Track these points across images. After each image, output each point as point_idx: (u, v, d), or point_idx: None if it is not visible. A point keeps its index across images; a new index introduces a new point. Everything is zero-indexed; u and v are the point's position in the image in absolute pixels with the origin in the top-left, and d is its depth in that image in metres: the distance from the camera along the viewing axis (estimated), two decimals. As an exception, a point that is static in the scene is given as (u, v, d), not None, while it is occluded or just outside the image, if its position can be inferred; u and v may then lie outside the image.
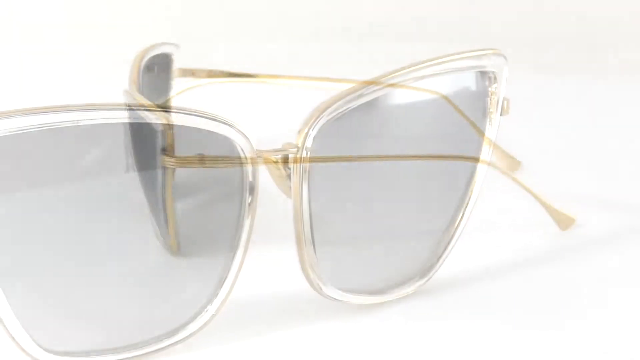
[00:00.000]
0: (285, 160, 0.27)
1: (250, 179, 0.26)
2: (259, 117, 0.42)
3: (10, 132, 0.23)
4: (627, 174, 0.43)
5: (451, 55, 0.29)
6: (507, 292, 0.30)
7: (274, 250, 0.31)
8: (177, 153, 0.26)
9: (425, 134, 0.30)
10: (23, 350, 0.25)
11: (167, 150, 0.25)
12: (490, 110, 0.30)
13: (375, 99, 0.28)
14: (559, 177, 0.42)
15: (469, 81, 0.30)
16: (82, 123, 0.24)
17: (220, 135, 0.26)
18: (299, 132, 0.27)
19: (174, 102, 0.40)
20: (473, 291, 0.30)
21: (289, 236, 0.27)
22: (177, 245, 0.27)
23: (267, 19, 0.75)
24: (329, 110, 0.27)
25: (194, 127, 0.25)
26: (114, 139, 0.25)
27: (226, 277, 0.27)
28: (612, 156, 0.46)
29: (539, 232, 0.35)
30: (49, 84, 0.60)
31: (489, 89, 0.30)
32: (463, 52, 0.29)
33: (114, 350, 0.26)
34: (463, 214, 0.31)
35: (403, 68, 0.28)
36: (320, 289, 0.28)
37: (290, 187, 0.27)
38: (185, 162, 0.26)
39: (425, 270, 0.30)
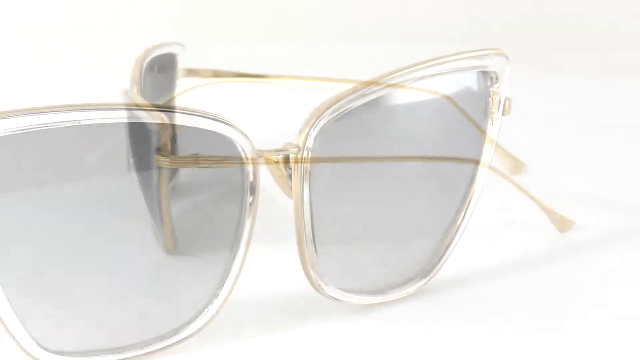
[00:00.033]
0: (286, 160, 0.27)
1: (251, 179, 0.26)
2: (260, 117, 0.42)
3: (12, 131, 0.23)
4: (627, 174, 0.43)
5: (453, 55, 0.29)
6: (507, 293, 0.30)
7: (275, 250, 0.31)
8: (179, 153, 0.26)
9: (426, 134, 0.30)
10: (24, 350, 0.25)
11: (162, 150, 0.25)
12: (492, 110, 0.30)
13: (376, 99, 0.28)
14: (559, 177, 0.42)
15: (471, 81, 0.30)
16: (83, 123, 0.24)
17: (221, 135, 0.26)
18: (300, 132, 0.27)
19: (176, 102, 0.40)
20: (473, 291, 0.30)
21: (290, 236, 0.27)
22: (173, 244, 0.27)
23: (267, 19, 0.75)
24: (330, 110, 0.27)
25: (195, 127, 0.25)
26: (113, 139, 0.25)
27: (227, 277, 0.27)
28: (612, 156, 0.46)
29: (539, 232, 0.35)
30: (49, 84, 0.60)
31: (491, 89, 0.30)
32: (465, 52, 0.29)
33: (115, 350, 0.26)
34: (464, 214, 0.30)
35: (404, 68, 0.28)
36: (322, 288, 0.28)
37: (291, 187, 0.27)
38: (179, 161, 0.26)
39: (427, 270, 0.30)
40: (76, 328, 0.26)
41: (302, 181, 0.27)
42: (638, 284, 0.31)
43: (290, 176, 0.27)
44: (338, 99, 0.27)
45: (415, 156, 0.29)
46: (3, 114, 0.23)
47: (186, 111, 0.26)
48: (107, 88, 0.34)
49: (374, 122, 0.28)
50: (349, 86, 0.27)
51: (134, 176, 0.26)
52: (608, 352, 0.27)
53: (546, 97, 0.57)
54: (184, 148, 0.26)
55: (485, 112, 0.30)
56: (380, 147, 0.29)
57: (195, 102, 0.38)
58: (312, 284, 0.28)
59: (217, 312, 0.27)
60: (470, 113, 0.30)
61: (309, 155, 0.27)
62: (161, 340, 0.26)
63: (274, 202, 0.28)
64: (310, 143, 0.27)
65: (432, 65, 0.28)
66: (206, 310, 0.27)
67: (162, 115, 0.25)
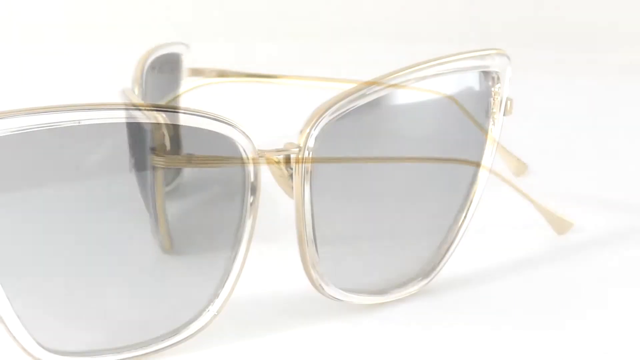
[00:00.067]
0: (287, 160, 0.27)
1: (252, 179, 0.26)
2: (262, 116, 0.42)
3: (12, 131, 0.23)
4: (627, 174, 0.43)
5: (454, 55, 0.29)
6: (508, 293, 0.30)
7: (276, 250, 0.31)
8: (179, 153, 0.26)
9: (427, 134, 0.30)
10: (24, 350, 0.25)
11: (157, 150, 0.25)
12: (494, 110, 0.30)
13: (378, 99, 0.28)
14: (559, 177, 0.42)
15: (472, 81, 0.30)
16: (83, 123, 0.24)
17: (222, 135, 0.26)
18: (301, 132, 0.27)
19: (178, 102, 0.40)
20: (475, 292, 0.30)
21: (291, 236, 0.27)
22: (169, 244, 0.27)
23: (267, 19, 0.75)
24: (331, 110, 0.27)
25: (196, 128, 0.25)
26: (113, 139, 0.25)
27: (228, 277, 0.27)
28: (612, 156, 0.46)
29: (540, 232, 0.35)
30: (49, 84, 0.60)
31: (492, 89, 0.30)
32: (466, 52, 0.29)
33: (116, 350, 0.26)
34: (466, 215, 0.30)
35: (405, 68, 0.28)
36: (322, 288, 0.28)
37: (292, 187, 0.27)
38: (173, 161, 0.26)
39: (428, 270, 0.30)
40: (77, 328, 0.26)
41: (303, 181, 0.27)
42: (638, 284, 0.31)
43: (291, 176, 0.27)
44: (339, 99, 0.27)
45: (416, 157, 0.29)
46: (3, 114, 0.23)
47: (187, 111, 0.26)
48: (107, 88, 0.34)
49: (375, 123, 0.28)
50: (350, 86, 0.27)
51: (133, 176, 0.26)
52: (608, 352, 0.27)
53: (546, 97, 0.57)
54: (185, 148, 0.26)
55: (487, 112, 0.30)
56: (381, 147, 0.29)
57: (196, 102, 0.38)
58: (313, 283, 0.28)
59: (218, 312, 0.27)
60: (472, 113, 0.30)
61: (310, 156, 0.27)
62: (162, 341, 0.26)
63: (275, 202, 0.28)
64: (311, 143, 0.27)
65: (434, 65, 0.28)
66: (207, 310, 0.27)
67: (163, 115, 0.25)
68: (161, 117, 0.25)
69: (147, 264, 0.27)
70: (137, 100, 0.34)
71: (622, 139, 0.50)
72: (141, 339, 0.26)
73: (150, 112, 0.25)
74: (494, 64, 0.29)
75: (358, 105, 0.27)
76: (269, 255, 0.31)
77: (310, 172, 0.27)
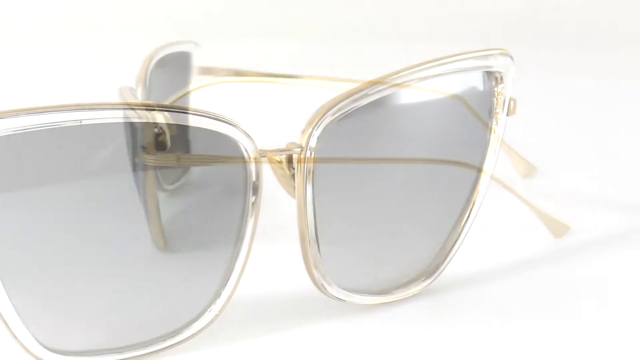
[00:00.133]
0: (290, 160, 0.27)
1: (254, 178, 0.26)
2: (263, 116, 0.42)
3: (13, 131, 0.23)
4: (627, 174, 0.43)
5: (457, 55, 0.28)
6: (509, 293, 0.30)
7: (278, 250, 0.31)
8: (180, 152, 0.26)
9: (430, 134, 0.30)
10: (26, 349, 0.25)
11: (147, 149, 0.25)
12: (497, 110, 0.30)
13: (380, 99, 0.28)
14: (559, 177, 0.42)
15: (475, 81, 0.30)
16: (84, 122, 0.24)
17: (224, 135, 0.26)
18: (303, 131, 0.27)
19: (182, 101, 0.40)
20: (476, 292, 0.30)
21: (292, 236, 0.27)
22: (164, 242, 0.27)
23: (268, 19, 0.75)
24: (334, 110, 0.27)
25: (198, 127, 0.25)
26: (114, 139, 0.25)
27: (229, 277, 0.27)
28: (611, 156, 0.46)
29: (541, 232, 0.35)
30: (50, 84, 0.60)
31: (495, 89, 0.30)
32: (469, 52, 0.29)
33: (117, 350, 0.26)
34: (469, 215, 0.30)
35: (408, 68, 0.28)
36: (325, 288, 0.28)
37: (294, 187, 0.27)
38: (163, 160, 0.26)
39: (431, 270, 0.30)
40: (79, 327, 0.26)
41: (305, 181, 0.27)
42: (638, 284, 0.31)
43: (293, 176, 0.27)
44: (341, 98, 0.27)
45: (418, 158, 0.29)
46: (4, 114, 0.23)
47: (188, 111, 0.26)
48: (108, 88, 0.34)
49: (377, 122, 0.28)
50: (352, 86, 0.27)
51: (134, 176, 0.26)
52: (608, 352, 0.27)
53: (546, 97, 0.57)
54: (186, 148, 0.26)
55: (490, 113, 0.30)
56: (383, 147, 0.29)
57: (198, 101, 0.38)
58: (315, 283, 0.28)
59: (220, 312, 0.27)
60: (475, 113, 0.30)
61: (312, 155, 0.27)
62: (163, 340, 0.26)
63: (277, 201, 0.28)
64: (313, 143, 0.26)
65: (437, 65, 0.28)
66: (208, 310, 0.27)
67: (166, 114, 0.25)
68: (162, 117, 0.25)
69: (149, 263, 0.27)
70: (132, 99, 0.34)
71: (622, 139, 0.50)
72: (142, 339, 0.26)
73: (151, 112, 0.25)
74: (497, 64, 0.29)
75: (360, 105, 0.27)
76: (271, 255, 0.31)
77: (313, 171, 0.27)
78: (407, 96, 0.28)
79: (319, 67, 0.43)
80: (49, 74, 0.63)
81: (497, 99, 0.30)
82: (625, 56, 0.67)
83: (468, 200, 0.30)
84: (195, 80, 0.41)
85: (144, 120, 0.25)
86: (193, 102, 0.40)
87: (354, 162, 0.28)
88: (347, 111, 0.27)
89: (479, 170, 0.30)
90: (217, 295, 0.27)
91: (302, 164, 0.27)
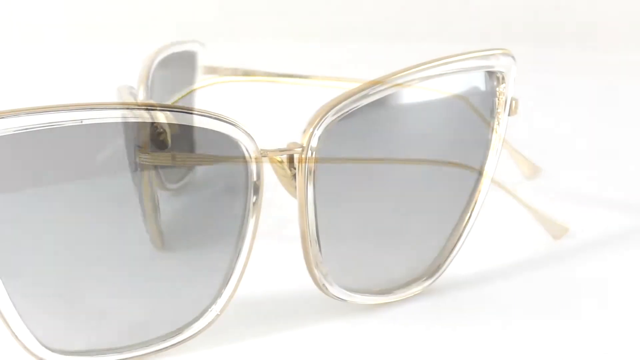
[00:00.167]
0: (291, 160, 0.27)
1: (255, 178, 0.26)
2: (265, 116, 0.42)
3: (14, 131, 0.23)
4: (627, 174, 0.43)
5: (459, 55, 0.28)
6: (510, 293, 0.30)
7: (279, 250, 0.31)
8: (181, 151, 0.26)
9: (431, 134, 0.30)
10: (26, 349, 0.25)
11: (143, 148, 0.25)
12: (498, 110, 0.30)
13: (381, 99, 0.28)
14: (559, 177, 0.42)
15: (477, 81, 0.30)
16: (85, 122, 0.24)
17: (224, 134, 0.26)
18: (304, 131, 0.27)
19: (184, 101, 0.40)
20: (477, 292, 0.30)
21: (293, 236, 0.27)
22: (164, 242, 0.27)
23: (269, 18, 0.75)
24: (334, 110, 0.27)
25: (199, 127, 0.25)
26: (114, 138, 0.25)
27: (230, 277, 0.27)
28: (611, 156, 0.46)
29: (541, 233, 0.35)
30: (50, 84, 0.60)
31: (497, 89, 0.30)
32: (471, 52, 0.29)
33: (118, 350, 0.26)
34: (470, 215, 0.30)
35: (409, 68, 0.28)
36: (326, 288, 0.28)
37: (296, 187, 0.27)
38: (158, 159, 0.26)
39: (432, 270, 0.30)
40: (79, 327, 0.26)
41: (306, 181, 0.27)
42: (638, 284, 0.31)
43: (294, 176, 0.27)
44: (342, 98, 0.27)
45: (420, 159, 0.29)
46: (4, 114, 0.23)
47: (189, 111, 0.25)
48: (109, 87, 0.34)
49: (378, 122, 0.28)
50: (353, 86, 0.27)
51: (133, 175, 0.26)
52: (608, 352, 0.27)
53: (545, 96, 0.57)
54: (186, 147, 0.26)
55: (492, 113, 0.30)
56: (384, 147, 0.29)
57: (200, 101, 0.38)
58: (317, 283, 0.28)
59: (221, 312, 0.27)
60: (477, 113, 0.30)
61: (313, 155, 0.26)
62: (164, 340, 0.26)
63: (278, 201, 0.28)
64: (314, 143, 0.26)
65: (438, 65, 0.28)
66: (209, 310, 0.27)
67: (168, 114, 0.25)
68: (163, 116, 0.25)
69: (150, 263, 0.27)
70: (130, 99, 0.34)
71: (622, 139, 0.50)
72: (143, 339, 0.26)
73: (151, 111, 0.25)
74: (498, 64, 0.29)
75: (361, 105, 0.27)
76: (272, 255, 0.31)
77: (314, 171, 0.27)
78: (408, 96, 0.28)
79: (320, 67, 0.43)
80: (49, 73, 0.63)
81: (498, 99, 0.30)
82: (625, 56, 0.67)
83: (470, 200, 0.30)
84: (198, 80, 0.41)
85: (143, 120, 0.25)
86: (196, 102, 0.40)
87: (355, 162, 0.28)
88: (348, 111, 0.27)
89: (481, 170, 0.30)
90: (218, 295, 0.27)
91: (303, 164, 0.26)
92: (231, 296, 0.27)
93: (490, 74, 0.30)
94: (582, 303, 0.30)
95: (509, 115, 0.30)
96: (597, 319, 0.29)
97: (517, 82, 0.30)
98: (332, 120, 0.27)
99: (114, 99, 0.34)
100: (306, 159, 0.26)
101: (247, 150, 0.26)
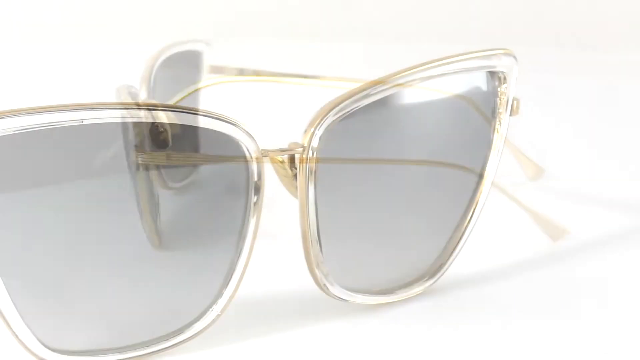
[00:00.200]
0: (292, 160, 0.27)
1: (256, 178, 0.26)
2: (266, 115, 0.42)
3: (14, 131, 0.23)
4: (627, 174, 0.43)
5: (460, 55, 0.28)
6: (512, 293, 0.30)
7: (280, 250, 0.31)
8: (181, 151, 0.26)
9: (432, 134, 0.30)
10: (27, 349, 0.25)
11: (141, 147, 0.25)
12: (500, 110, 0.30)
13: (382, 99, 0.28)
14: (559, 177, 0.42)
15: (478, 81, 0.30)
16: (85, 122, 0.24)
17: (225, 134, 0.26)
18: (305, 131, 0.27)
19: (186, 101, 0.40)
20: (479, 292, 0.30)
21: (295, 235, 0.27)
22: (161, 241, 0.27)
23: (270, 18, 0.74)
24: (336, 109, 0.27)
25: (200, 127, 0.25)
26: (114, 138, 0.25)
27: (231, 277, 0.27)
28: (611, 156, 0.46)
29: (541, 233, 0.35)
30: (51, 84, 0.60)
31: (499, 89, 0.30)
32: (472, 52, 0.29)
33: (118, 350, 0.26)
34: (472, 214, 0.30)
35: (411, 68, 0.28)
36: (327, 288, 0.28)
37: (297, 187, 0.27)
38: (153, 158, 0.26)
39: (434, 270, 0.30)
40: (80, 327, 0.26)
41: (307, 181, 0.27)
42: (638, 284, 0.31)
43: (295, 176, 0.27)
44: (343, 98, 0.27)
45: (421, 160, 0.29)
46: (3, 114, 0.23)
47: (190, 111, 0.26)
48: (110, 87, 0.34)
49: (379, 122, 0.28)
50: (354, 85, 0.27)
51: (133, 174, 0.26)
52: (608, 352, 0.27)
53: (545, 96, 0.57)
54: (187, 147, 0.26)
55: (493, 113, 0.30)
56: (386, 147, 0.29)
57: (203, 100, 0.38)
58: (318, 283, 0.28)
59: (221, 312, 0.27)
60: (478, 113, 0.30)
61: (314, 155, 0.26)
62: (165, 340, 0.26)
63: (279, 201, 0.28)
64: (315, 143, 0.26)
65: (439, 65, 0.28)
66: (210, 310, 0.27)
67: (170, 114, 0.25)
68: (164, 116, 0.25)
69: (151, 263, 0.27)
70: (128, 98, 0.34)
71: (622, 138, 0.50)
72: (144, 339, 0.26)
73: (151, 111, 0.25)
74: (500, 64, 0.29)
75: (363, 105, 0.27)
76: (273, 255, 0.31)
77: (315, 171, 0.27)
78: (409, 96, 0.28)
79: (321, 67, 0.43)
80: (49, 73, 0.63)
81: (500, 99, 0.30)
82: (625, 56, 0.67)
83: (471, 200, 0.30)
84: (200, 80, 0.41)
85: (142, 120, 0.25)
86: (198, 102, 0.40)
87: (356, 163, 0.28)
88: (349, 111, 0.27)
89: (482, 170, 0.30)
90: (219, 295, 0.27)
91: (304, 164, 0.26)
92: (232, 296, 0.27)
93: (492, 74, 0.30)
94: (583, 303, 0.30)
95: (510, 115, 0.30)
96: (597, 319, 0.29)
97: (518, 82, 0.30)
98: (334, 120, 0.27)
99: (113, 99, 0.34)
100: (307, 159, 0.26)
101: (248, 150, 0.26)
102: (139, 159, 0.25)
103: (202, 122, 0.25)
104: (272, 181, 0.27)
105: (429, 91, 0.29)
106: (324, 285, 0.28)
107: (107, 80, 0.37)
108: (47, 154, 0.24)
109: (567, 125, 0.52)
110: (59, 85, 0.59)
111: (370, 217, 0.29)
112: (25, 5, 0.74)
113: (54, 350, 0.25)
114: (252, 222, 0.27)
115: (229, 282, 0.27)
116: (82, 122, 0.24)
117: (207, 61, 0.42)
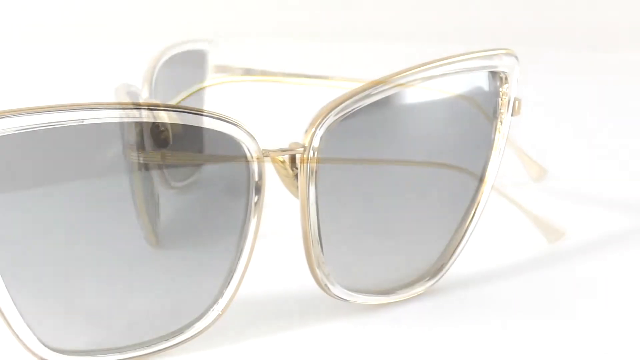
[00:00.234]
0: (293, 160, 0.27)
1: (257, 178, 0.26)
2: (268, 115, 0.42)
3: (14, 131, 0.23)
4: (627, 174, 0.43)
5: (462, 55, 0.28)
6: (511, 294, 0.30)
7: (281, 250, 0.31)
8: (182, 151, 0.26)
9: (434, 134, 0.30)
10: (28, 348, 0.25)
11: (140, 146, 0.25)
12: (501, 110, 0.30)
13: (383, 99, 0.27)
14: (559, 177, 0.42)
15: (480, 81, 0.29)
16: (86, 122, 0.24)
17: (226, 134, 0.26)
18: (306, 131, 0.27)
19: (188, 100, 0.40)
20: (479, 292, 0.30)
21: (296, 235, 0.27)
22: (161, 240, 0.27)
23: (272, 18, 0.75)
24: (337, 110, 0.27)
25: (201, 127, 0.25)
26: (110, 138, 0.25)
27: (232, 276, 0.27)
28: (611, 156, 0.46)
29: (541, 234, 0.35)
30: (51, 84, 0.60)
31: (500, 89, 0.30)
32: (474, 52, 0.29)
33: (119, 350, 0.26)
34: (474, 214, 0.30)
35: (412, 68, 0.28)
36: (328, 288, 0.28)
37: (297, 187, 0.27)
38: (154, 158, 0.26)
39: (435, 270, 0.30)
40: (81, 327, 0.26)
41: (308, 181, 0.27)
42: (638, 284, 0.31)
43: (296, 176, 0.27)
44: (344, 98, 0.27)
45: (422, 159, 0.29)
46: (3, 114, 0.23)
47: (191, 110, 0.26)
48: (110, 87, 0.34)
49: (380, 122, 0.28)
50: (355, 85, 0.27)
51: (134, 174, 0.26)
52: (608, 352, 0.27)
53: (545, 96, 0.57)
54: (188, 147, 0.26)
55: (495, 113, 0.30)
56: (387, 147, 0.29)
57: (205, 100, 0.38)
58: (319, 283, 0.28)
59: (222, 311, 0.27)
60: (479, 113, 0.30)
61: (315, 155, 0.26)
62: (166, 340, 0.26)
63: (280, 201, 0.28)
64: (316, 143, 0.26)
65: (441, 65, 0.28)
66: (211, 309, 0.27)
67: (171, 114, 0.25)
68: (166, 116, 0.25)
69: (152, 263, 0.27)
70: (126, 98, 0.34)
71: (622, 138, 0.50)
72: (145, 339, 0.26)
73: (153, 111, 0.25)
74: (501, 64, 0.29)
75: (364, 105, 0.27)
76: (274, 255, 0.31)
77: (316, 171, 0.27)
78: (410, 96, 0.28)
79: (322, 67, 0.43)
80: (49, 73, 0.63)
81: (501, 99, 0.30)
82: (625, 56, 0.67)
83: (472, 200, 0.30)
84: (202, 80, 0.41)
85: (141, 120, 0.25)
86: (200, 101, 0.40)
87: (357, 163, 0.28)
88: (350, 111, 0.27)
89: (484, 170, 0.30)
90: (220, 294, 0.27)
91: (305, 164, 0.26)
92: (233, 296, 0.27)
93: (494, 74, 0.30)
94: (583, 303, 0.30)
95: (512, 115, 0.30)
96: (597, 319, 0.29)
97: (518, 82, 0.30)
98: (334, 120, 0.27)
99: (111, 98, 0.34)
100: (308, 159, 0.26)
101: (249, 150, 0.26)
102: (140, 158, 0.25)
103: (203, 122, 0.25)
104: (273, 181, 0.27)
105: (430, 91, 0.29)
106: (325, 285, 0.28)
107: (108, 80, 0.37)
108: (48, 154, 0.24)
109: (567, 125, 0.53)
110: (60, 85, 0.59)
111: (371, 217, 0.29)
112: (25, 5, 0.74)
113: (54, 350, 0.25)
114: (253, 222, 0.27)
115: (229, 282, 0.27)
116: (82, 122, 0.24)
117: (209, 61, 0.42)
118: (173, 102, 0.39)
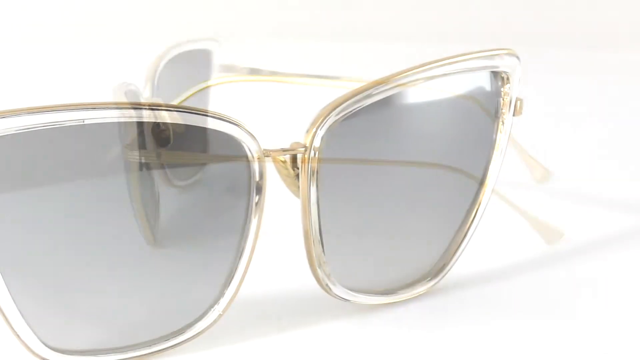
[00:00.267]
0: (294, 160, 0.27)
1: (258, 178, 0.26)
2: (269, 115, 0.42)
3: (15, 130, 0.23)
4: (627, 174, 0.43)
5: (463, 55, 0.28)
6: (511, 294, 0.30)
7: (282, 250, 0.31)
8: (183, 151, 0.26)
9: (435, 134, 0.30)
10: (29, 348, 0.25)
11: (141, 146, 0.25)
12: (503, 110, 0.30)
13: (385, 99, 0.27)
14: (559, 177, 0.42)
15: (481, 81, 0.29)
16: (87, 122, 0.24)
17: (227, 134, 0.26)
18: (307, 131, 0.26)
19: (191, 100, 0.40)
20: (479, 292, 0.30)
21: (296, 235, 0.27)
22: (159, 240, 0.27)
23: (272, 18, 0.75)
24: (338, 109, 0.27)
25: (202, 127, 0.25)
26: (109, 138, 0.25)
27: (233, 277, 0.27)
28: (611, 156, 0.47)
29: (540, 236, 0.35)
30: (51, 84, 0.60)
31: (502, 89, 0.30)
32: (475, 52, 0.29)
33: (120, 350, 0.26)
34: (475, 214, 0.30)
35: (413, 68, 0.28)
36: (329, 288, 0.28)
37: (299, 187, 0.27)
38: (155, 157, 0.26)
39: (437, 271, 0.30)
40: (82, 327, 0.26)
41: (309, 181, 0.27)
42: (638, 284, 0.31)
43: (297, 176, 0.27)
44: (346, 98, 0.27)
45: (424, 160, 0.29)
46: (4, 114, 0.23)
47: (191, 110, 0.26)
48: (111, 87, 0.34)
49: (381, 122, 0.28)
50: (356, 85, 0.27)
51: (134, 174, 0.26)
52: (608, 351, 0.27)
53: (545, 96, 0.57)
54: (189, 147, 0.26)
55: (496, 113, 0.30)
56: (388, 147, 0.29)
57: (206, 100, 0.38)
58: (320, 283, 0.28)
59: (223, 311, 0.27)
60: (481, 113, 0.30)
61: (316, 155, 0.26)
62: (166, 340, 0.26)
63: (281, 201, 0.28)
64: (317, 143, 0.26)
65: (442, 65, 0.28)
66: (212, 309, 0.27)
67: (173, 114, 0.25)
68: (167, 116, 0.25)
69: (153, 263, 0.27)
70: (123, 98, 0.34)
71: (622, 138, 0.50)
72: (145, 338, 0.26)
73: (155, 111, 0.25)
74: (503, 64, 0.29)
75: (365, 105, 0.27)
76: (275, 255, 0.31)
77: (317, 171, 0.27)
78: (411, 96, 0.28)
79: (322, 67, 0.43)
80: (49, 73, 0.63)
81: (503, 99, 0.30)
82: (625, 56, 0.67)
83: (474, 201, 0.30)
84: (203, 80, 0.41)
85: (142, 119, 0.25)
86: (201, 101, 0.40)
87: (358, 163, 0.28)
88: (351, 111, 0.27)
89: (485, 170, 0.30)
90: (221, 294, 0.27)
91: (306, 164, 0.26)
92: (234, 296, 0.27)
93: (495, 74, 0.30)
94: (583, 303, 0.30)
95: (513, 115, 0.30)
96: (598, 319, 0.29)
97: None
98: (336, 120, 0.27)
99: (110, 97, 0.34)
100: (309, 159, 0.26)
101: (250, 150, 0.26)
102: (141, 158, 0.25)
103: (204, 122, 0.25)
104: (274, 181, 0.27)
105: (431, 91, 0.29)
106: (326, 285, 0.28)
107: (108, 80, 0.37)
108: (48, 154, 0.24)
109: (567, 125, 0.53)
110: (60, 85, 0.59)
111: (373, 217, 0.29)
112: (25, 5, 0.74)
113: (55, 349, 0.25)
114: (254, 221, 0.27)
115: (230, 281, 0.27)
116: (83, 121, 0.24)
117: (212, 61, 0.42)
118: (176, 101, 0.39)
